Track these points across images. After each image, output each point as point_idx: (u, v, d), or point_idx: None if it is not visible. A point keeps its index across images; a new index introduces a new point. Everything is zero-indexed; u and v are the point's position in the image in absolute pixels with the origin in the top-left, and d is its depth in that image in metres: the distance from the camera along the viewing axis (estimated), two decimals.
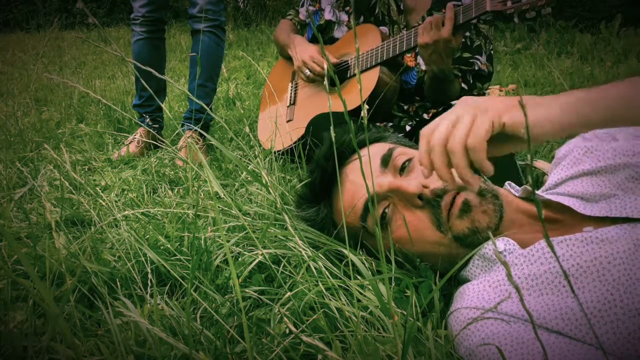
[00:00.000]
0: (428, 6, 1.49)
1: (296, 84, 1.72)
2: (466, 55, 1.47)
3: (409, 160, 0.80)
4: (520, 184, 0.92)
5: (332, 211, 0.88)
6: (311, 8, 1.68)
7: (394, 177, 0.79)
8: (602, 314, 0.53)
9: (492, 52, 1.50)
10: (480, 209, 0.72)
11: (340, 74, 1.58)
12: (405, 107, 1.55)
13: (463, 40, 1.46)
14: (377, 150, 0.83)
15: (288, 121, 1.66)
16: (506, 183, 0.84)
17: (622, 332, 0.52)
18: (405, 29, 1.51)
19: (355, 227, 0.82)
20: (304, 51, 1.58)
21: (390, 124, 1.53)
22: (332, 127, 0.55)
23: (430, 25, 1.25)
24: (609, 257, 0.56)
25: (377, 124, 1.52)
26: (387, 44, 1.41)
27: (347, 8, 1.59)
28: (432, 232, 0.74)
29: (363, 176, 0.50)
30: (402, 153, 0.81)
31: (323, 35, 1.66)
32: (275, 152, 1.41)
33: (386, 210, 0.77)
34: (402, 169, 0.80)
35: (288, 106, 1.70)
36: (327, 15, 1.62)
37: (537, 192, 0.81)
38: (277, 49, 1.89)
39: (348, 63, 1.56)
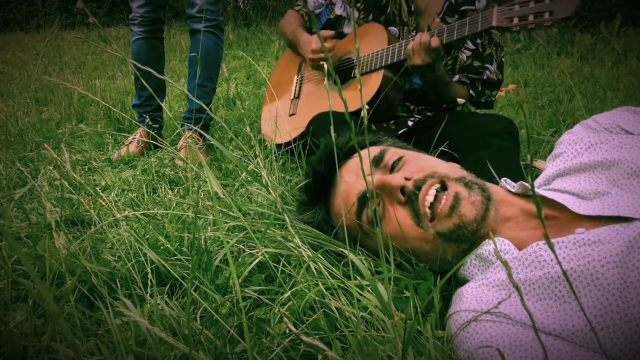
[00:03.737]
0: (439, 9, 1.48)
1: (302, 77, 1.72)
2: (477, 64, 1.47)
3: (400, 158, 0.81)
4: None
5: (328, 213, 0.89)
6: (321, 1, 1.67)
7: (383, 175, 0.80)
8: (598, 319, 0.53)
9: (502, 59, 1.49)
10: (469, 201, 0.72)
11: (346, 72, 1.57)
12: (411, 107, 1.55)
13: (474, 47, 1.46)
14: (370, 152, 0.84)
15: (291, 115, 1.66)
16: (502, 179, 0.84)
17: (619, 337, 0.51)
18: (415, 30, 1.50)
19: (353, 227, 0.83)
20: (313, 42, 1.58)
21: (392, 121, 1.53)
22: (332, 128, 0.55)
23: (420, 47, 1.29)
24: (602, 261, 0.56)
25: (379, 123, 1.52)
26: (393, 48, 1.40)
27: (359, 4, 1.58)
28: (413, 229, 0.75)
29: (363, 173, 0.50)
30: (394, 153, 0.82)
31: (332, 30, 1.65)
32: (275, 151, 1.41)
33: (376, 210, 0.78)
34: (393, 168, 0.81)
35: (292, 99, 1.70)
36: (338, 10, 1.61)
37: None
38: (283, 40, 1.88)
39: (353, 62, 1.55)
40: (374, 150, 0.85)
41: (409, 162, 0.81)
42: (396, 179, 0.76)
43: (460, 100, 1.48)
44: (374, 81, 1.43)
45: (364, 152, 0.84)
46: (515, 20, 1.13)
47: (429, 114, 1.53)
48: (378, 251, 0.82)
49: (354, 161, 0.87)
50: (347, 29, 1.62)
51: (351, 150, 0.90)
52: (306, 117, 1.51)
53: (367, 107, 1.41)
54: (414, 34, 1.49)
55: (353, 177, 0.83)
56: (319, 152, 0.89)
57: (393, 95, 1.45)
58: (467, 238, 0.72)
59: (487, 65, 1.46)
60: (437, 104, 1.52)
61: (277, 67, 1.87)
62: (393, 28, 1.51)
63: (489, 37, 1.46)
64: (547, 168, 0.84)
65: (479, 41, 1.46)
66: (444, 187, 0.75)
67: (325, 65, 0.49)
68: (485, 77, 1.47)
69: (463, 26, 1.23)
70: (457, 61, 1.48)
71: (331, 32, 1.58)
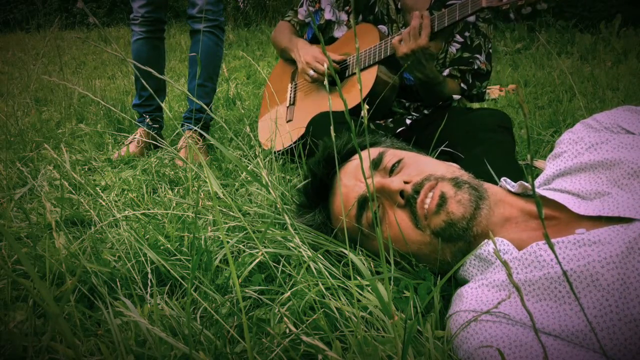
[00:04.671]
0: (427, 5, 1.49)
1: (295, 84, 1.73)
2: (466, 55, 1.47)
3: (399, 161, 0.81)
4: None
5: (328, 216, 0.89)
6: (311, 8, 1.68)
7: (383, 177, 0.80)
8: (597, 320, 0.53)
9: (490, 50, 1.50)
10: (455, 199, 0.72)
11: (339, 74, 1.58)
12: (407, 104, 1.56)
13: (462, 40, 1.47)
14: (368, 155, 0.84)
15: (288, 121, 1.67)
16: (502, 179, 0.84)
17: (619, 338, 0.51)
18: (403, 27, 1.51)
19: (352, 230, 0.83)
20: (306, 53, 1.59)
21: (390, 119, 1.53)
22: (332, 127, 0.55)
23: (408, 35, 1.27)
24: (602, 261, 0.56)
25: (377, 121, 1.52)
26: (385, 43, 1.41)
27: (347, 7, 1.59)
28: (413, 231, 0.75)
29: (363, 174, 0.50)
30: (392, 155, 0.82)
31: (323, 35, 1.66)
32: (275, 153, 1.42)
33: (376, 212, 0.78)
34: (392, 170, 0.81)
35: (288, 106, 1.71)
36: (327, 15, 1.62)
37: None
38: (276, 51, 1.89)
39: (347, 62, 1.56)
40: (373, 152, 0.85)
41: (408, 164, 0.81)
42: (395, 182, 0.76)
43: (456, 97, 1.49)
44: (368, 78, 1.44)
45: (363, 154, 0.84)
46: None
47: (425, 111, 1.54)
48: (378, 253, 0.82)
49: (352, 164, 0.87)
50: (337, 33, 1.63)
51: (349, 152, 0.90)
52: (303, 122, 1.52)
53: (367, 107, 1.41)
54: (403, 30, 1.50)
55: (352, 180, 0.83)
56: (317, 155, 0.90)
57: (388, 92, 1.46)
58: (459, 236, 0.72)
59: (477, 56, 1.47)
60: (432, 103, 1.52)
61: (271, 78, 1.89)
62: (382, 26, 1.52)
63: (476, 30, 1.47)
64: (547, 168, 0.84)
65: (467, 34, 1.47)
66: None
67: (325, 67, 0.50)
68: (475, 67, 1.48)
69: (453, 11, 1.23)
70: (447, 54, 1.49)
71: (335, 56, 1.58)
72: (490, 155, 1.14)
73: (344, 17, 1.60)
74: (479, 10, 1.19)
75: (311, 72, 1.57)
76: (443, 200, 0.72)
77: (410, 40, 1.28)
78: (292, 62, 1.71)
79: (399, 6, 1.51)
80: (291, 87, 1.74)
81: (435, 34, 1.27)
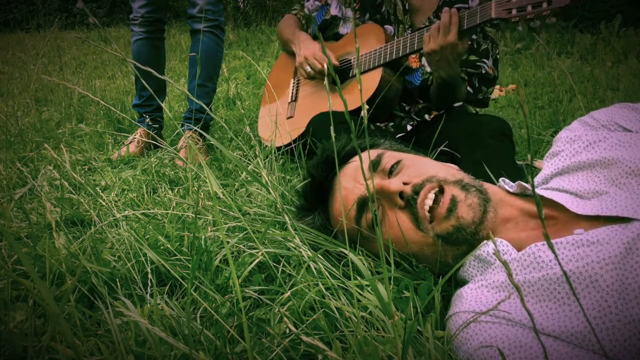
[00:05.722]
0: (434, 8, 1.48)
1: (298, 80, 1.72)
2: (473, 58, 1.46)
3: (398, 162, 0.81)
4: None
5: (327, 218, 0.89)
6: (317, 3, 1.67)
7: (382, 179, 0.80)
8: (597, 321, 0.53)
9: (497, 56, 1.49)
10: (466, 203, 0.72)
11: (343, 73, 1.57)
12: (407, 108, 1.55)
13: (470, 42, 1.46)
14: (367, 156, 0.84)
15: (288, 118, 1.66)
16: (500, 179, 0.84)
17: (619, 339, 0.51)
18: (409, 29, 1.50)
19: (352, 232, 0.83)
20: (307, 48, 1.58)
21: (392, 123, 1.52)
22: (332, 128, 0.55)
23: (437, 31, 1.24)
24: (601, 262, 0.55)
25: (378, 124, 1.52)
26: (391, 46, 1.40)
27: (354, 4, 1.58)
28: (414, 233, 0.75)
29: (363, 175, 0.50)
30: (391, 157, 0.82)
31: (328, 30, 1.65)
32: (275, 152, 1.41)
33: (376, 213, 0.78)
34: (391, 172, 0.81)
35: (289, 102, 1.70)
36: (333, 11, 1.61)
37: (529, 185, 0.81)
38: (280, 43, 1.88)
39: (351, 62, 1.55)
40: (372, 154, 0.84)
41: (407, 166, 0.81)
42: (394, 184, 0.76)
43: (459, 104, 1.48)
44: (373, 80, 1.43)
45: (363, 156, 0.84)
46: (514, 12, 1.13)
47: (426, 116, 1.53)
48: (378, 254, 0.82)
49: (351, 166, 0.87)
50: (342, 30, 1.61)
51: (348, 155, 0.90)
52: (304, 120, 1.51)
53: (367, 106, 1.41)
54: (409, 32, 1.49)
55: (351, 182, 0.83)
56: (316, 157, 0.89)
57: (392, 95, 1.45)
58: (466, 240, 0.72)
59: (484, 60, 1.46)
60: (442, 106, 1.51)
61: (274, 71, 1.88)
62: (388, 26, 1.51)
63: (483, 34, 1.46)
64: (545, 167, 0.84)
65: (474, 37, 1.45)
66: (442, 191, 0.75)
67: (325, 66, 0.49)
68: (483, 72, 1.46)
69: (462, 20, 1.22)
70: None
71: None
72: (490, 160, 1.14)
73: (350, 13, 1.59)
74: (488, 21, 1.18)
75: (308, 69, 1.56)
76: (454, 204, 0.72)
77: (439, 37, 1.23)
78: (295, 55, 1.70)
79: (406, 7, 1.50)
80: (293, 83, 1.73)
81: (463, 32, 1.23)
